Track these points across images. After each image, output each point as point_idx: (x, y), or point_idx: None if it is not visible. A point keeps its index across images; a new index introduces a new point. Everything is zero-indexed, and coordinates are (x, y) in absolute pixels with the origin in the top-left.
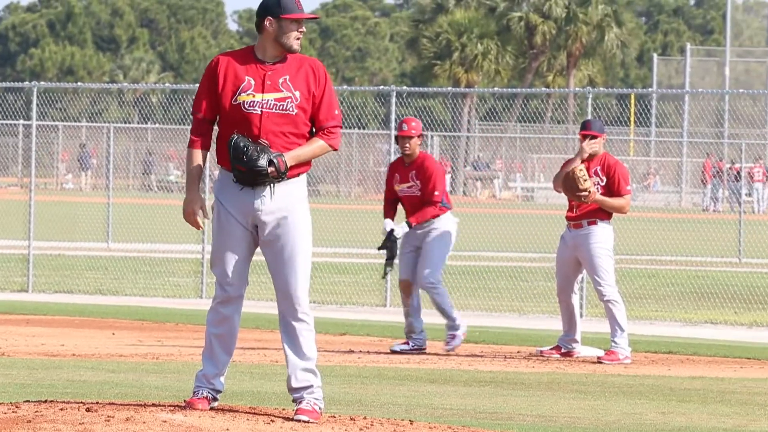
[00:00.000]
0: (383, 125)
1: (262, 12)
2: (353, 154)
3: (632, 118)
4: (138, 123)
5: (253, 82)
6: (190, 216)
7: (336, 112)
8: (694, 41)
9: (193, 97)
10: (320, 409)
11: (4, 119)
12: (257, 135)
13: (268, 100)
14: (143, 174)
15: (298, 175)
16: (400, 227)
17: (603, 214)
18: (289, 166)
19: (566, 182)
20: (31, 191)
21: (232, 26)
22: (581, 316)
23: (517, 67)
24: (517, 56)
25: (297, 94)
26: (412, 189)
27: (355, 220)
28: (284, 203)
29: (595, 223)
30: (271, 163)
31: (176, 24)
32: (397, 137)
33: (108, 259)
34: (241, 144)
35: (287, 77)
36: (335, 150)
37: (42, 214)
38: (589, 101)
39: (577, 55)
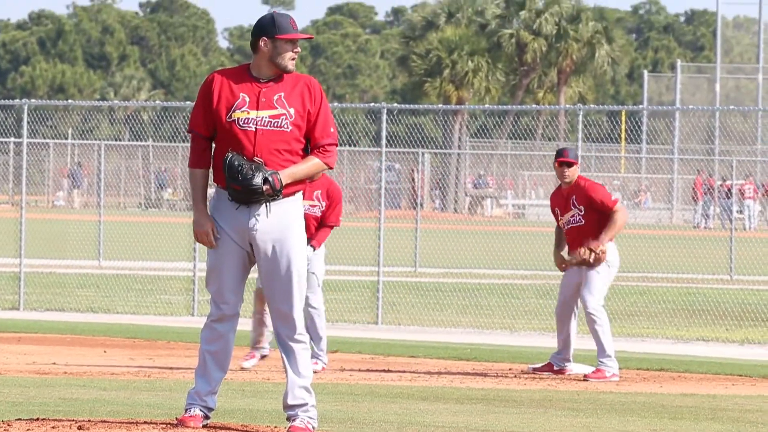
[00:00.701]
0: (374, 142)
1: (257, 32)
2: (344, 171)
3: (623, 135)
4: (129, 140)
5: (247, 99)
6: (202, 236)
7: (331, 129)
8: (684, 58)
9: (185, 114)
10: (313, 428)
11: None
12: (252, 152)
13: (262, 117)
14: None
15: (293, 193)
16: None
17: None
18: (284, 184)
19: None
20: (22, 209)
21: (223, 43)
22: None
23: (507, 84)
24: (508, 73)
25: (292, 111)
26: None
27: (346, 237)
28: (280, 223)
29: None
30: (266, 181)
31: (167, 41)
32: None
33: (99, 277)
34: (236, 163)
35: (282, 94)
36: (330, 168)
37: (33, 232)
38: (580, 118)
39: (568, 72)
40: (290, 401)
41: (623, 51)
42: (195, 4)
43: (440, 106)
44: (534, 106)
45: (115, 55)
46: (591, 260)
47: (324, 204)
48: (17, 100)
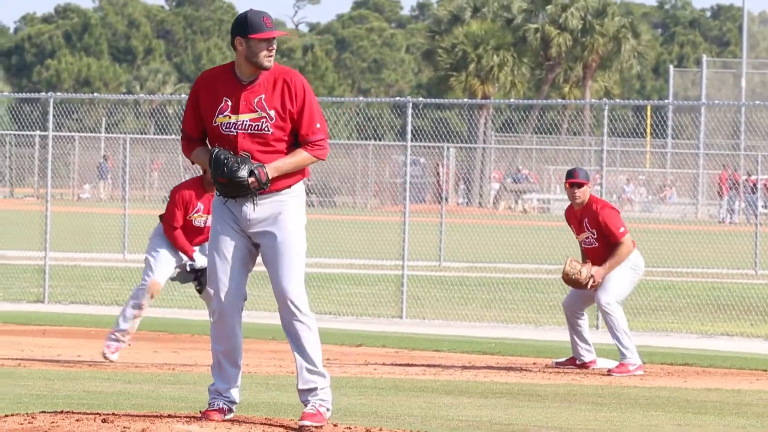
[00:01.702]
0: (399, 137)
1: (233, 31)
2: (369, 165)
3: (648, 130)
4: (154, 134)
5: (230, 104)
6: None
7: (317, 125)
8: (710, 53)
9: None
10: (327, 410)
11: (21, 130)
12: (235, 153)
13: (243, 121)
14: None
15: (288, 186)
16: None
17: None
18: (270, 177)
19: (568, 283)
20: (48, 202)
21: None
22: (597, 327)
23: (533, 79)
24: (533, 68)
25: (272, 113)
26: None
27: (371, 231)
28: (272, 212)
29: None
30: (251, 173)
31: (192, 35)
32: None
33: (124, 270)
34: (222, 156)
35: (262, 97)
36: (322, 160)
37: (58, 225)
38: (606, 113)
39: (594, 67)
40: (300, 386)
41: (649, 46)
42: None
43: (465, 100)
44: (559, 100)
45: (140, 49)
46: (588, 286)
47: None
48: (43, 94)
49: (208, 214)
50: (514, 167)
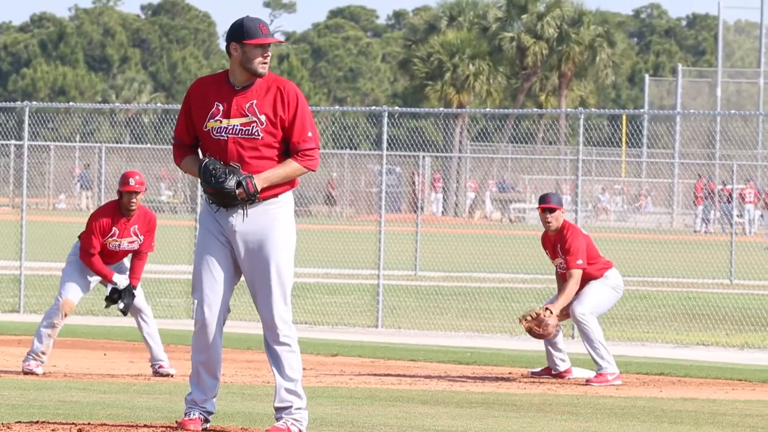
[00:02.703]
0: (375, 146)
1: (228, 38)
2: (345, 174)
3: (624, 139)
4: (130, 143)
5: (221, 108)
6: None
7: (309, 134)
8: (685, 62)
9: None
10: (299, 429)
11: None
12: (227, 160)
13: (234, 126)
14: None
15: (275, 195)
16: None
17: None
18: (259, 188)
19: (535, 335)
20: (23, 211)
21: (224, 46)
22: (572, 337)
23: (509, 88)
24: (509, 77)
25: (263, 118)
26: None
27: (346, 240)
28: (259, 225)
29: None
30: (239, 184)
31: (168, 44)
32: None
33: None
34: (210, 167)
35: (254, 102)
36: (312, 170)
37: (34, 235)
38: (581, 122)
39: (569, 76)
40: (276, 403)
41: (625, 55)
42: (196, 6)
43: (441, 109)
44: (535, 109)
45: (116, 58)
46: (548, 327)
47: (142, 238)
48: (18, 103)
49: (122, 238)
50: (500, 176)
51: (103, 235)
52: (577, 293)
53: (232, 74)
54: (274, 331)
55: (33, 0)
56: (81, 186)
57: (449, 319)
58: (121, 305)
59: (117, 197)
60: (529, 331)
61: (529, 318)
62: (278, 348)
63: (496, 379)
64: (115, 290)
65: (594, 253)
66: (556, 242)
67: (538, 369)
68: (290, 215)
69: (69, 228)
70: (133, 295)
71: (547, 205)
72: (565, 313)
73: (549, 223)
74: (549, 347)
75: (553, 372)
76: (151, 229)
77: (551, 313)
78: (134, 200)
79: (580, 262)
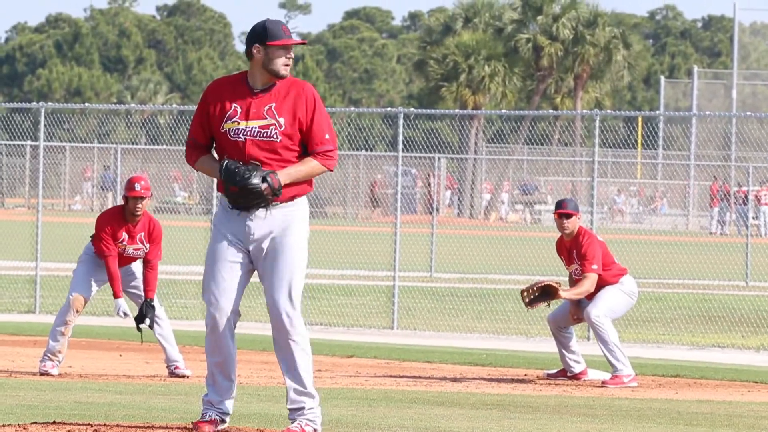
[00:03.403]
0: (390, 147)
1: (250, 39)
2: (360, 175)
3: (639, 141)
4: (145, 144)
5: (239, 110)
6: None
7: (327, 136)
8: (701, 64)
9: None
10: (314, 430)
11: (12, 140)
12: (245, 161)
13: (252, 128)
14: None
15: (292, 198)
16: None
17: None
18: (282, 183)
19: (532, 300)
20: (39, 212)
21: (240, 47)
22: (588, 339)
23: (524, 89)
24: (525, 78)
25: (282, 120)
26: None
27: (362, 242)
28: (277, 225)
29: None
30: (264, 180)
31: (183, 45)
32: None
33: None
34: (232, 166)
35: (273, 105)
36: (330, 170)
37: (49, 235)
38: (597, 123)
39: (585, 78)
40: (289, 405)
41: (640, 56)
42: (212, 7)
43: (457, 111)
44: (550, 111)
45: (131, 59)
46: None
47: (148, 246)
48: (34, 103)
49: (129, 244)
50: (516, 178)
51: (114, 240)
52: (592, 297)
53: (251, 76)
54: (285, 330)
55: (48, 1)
56: (103, 187)
57: (465, 321)
58: (147, 322)
59: (123, 202)
60: (527, 294)
61: (534, 288)
62: (291, 346)
63: (512, 380)
64: (140, 316)
65: (609, 259)
66: (572, 248)
67: (554, 371)
68: (306, 218)
69: (84, 229)
70: (153, 308)
71: (563, 210)
72: (577, 318)
73: (565, 228)
74: (562, 349)
75: (568, 374)
76: (157, 238)
77: (558, 289)
78: (140, 205)
79: (595, 267)
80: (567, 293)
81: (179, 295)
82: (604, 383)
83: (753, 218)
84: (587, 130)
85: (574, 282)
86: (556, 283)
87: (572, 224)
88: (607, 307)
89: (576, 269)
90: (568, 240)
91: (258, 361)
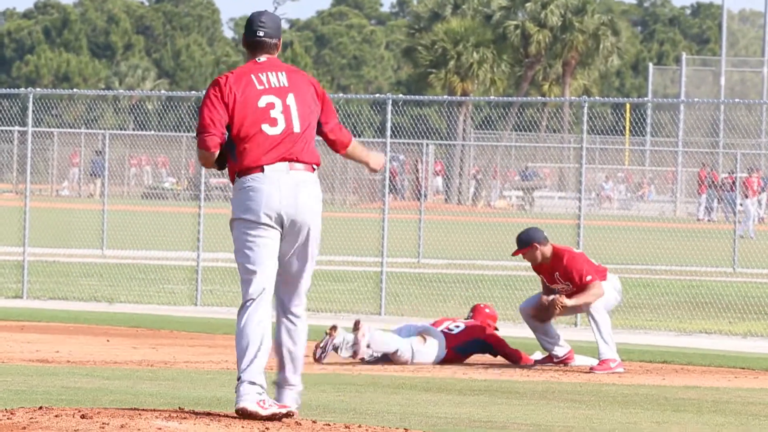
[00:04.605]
0: (379, 133)
1: (280, 33)
2: (348, 162)
3: (627, 127)
4: (133, 130)
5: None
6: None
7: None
8: (689, 51)
9: (189, 104)
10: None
11: (0, 125)
12: None
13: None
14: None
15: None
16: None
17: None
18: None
19: (540, 315)
20: (27, 197)
21: (228, 33)
22: (576, 325)
23: (512, 76)
24: (513, 65)
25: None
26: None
27: (350, 228)
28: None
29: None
30: None
31: (172, 31)
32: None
33: (102, 266)
34: None
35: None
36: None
37: (37, 221)
38: (585, 110)
39: (573, 64)
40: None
41: (628, 43)
42: None
43: (445, 97)
44: (539, 98)
45: (120, 45)
46: (550, 310)
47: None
48: (22, 89)
49: None
50: (523, 164)
51: None
52: (585, 293)
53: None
54: (302, 311)
55: None
56: (92, 173)
57: (452, 307)
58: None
59: None
60: (535, 316)
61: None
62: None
63: (499, 366)
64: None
65: (592, 266)
66: (554, 270)
67: (541, 357)
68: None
69: (72, 215)
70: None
71: (517, 251)
72: (540, 316)
73: (537, 258)
74: (539, 335)
75: (554, 359)
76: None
77: (562, 302)
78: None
79: (590, 278)
80: (570, 300)
81: (167, 280)
82: (591, 369)
83: (740, 205)
84: (575, 116)
85: (547, 289)
86: (551, 299)
87: (535, 255)
88: (602, 301)
89: (563, 288)
90: (549, 264)
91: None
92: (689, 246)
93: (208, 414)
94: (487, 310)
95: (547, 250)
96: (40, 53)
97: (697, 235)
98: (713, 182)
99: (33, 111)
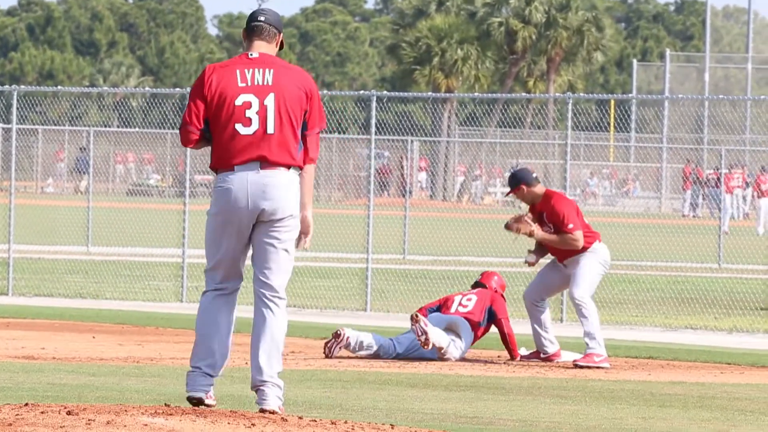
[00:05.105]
0: (363, 130)
1: (281, 27)
2: (333, 158)
3: (612, 124)
4: (118, 127)
5: None
6: None
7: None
8: (673, 47)
9: (174, 101)
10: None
11: None
12: None
13: None
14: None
15: None
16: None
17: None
18: None
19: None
20: (11, 194)
21: (212, 30)
22: (561, 321)
23: (497, 73)
24: (497, 61)
25: None
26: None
27: (334, 224)
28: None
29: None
30: None
31: (156, 28)
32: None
33: (88, 263)
34: None
35: None
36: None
37: (22, 218)
38: (569, 107)
39: (557, 61)
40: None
41: (612, 40)
42: None
43: (429, 94)
44: (523, 94)
45: (104, 42)
46: (519, 223)
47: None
48: (6, 86)
49: None
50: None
51: None
52: (573, 274)
53: None
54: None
55: None
56: (77, 170)
57: None
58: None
59: None
60: (509, 226)
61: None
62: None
63: (485, 362)
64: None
65: (581, 220)
66: (542, 210)
67: (527, 352)
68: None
69: (57, 212)
70: None
71: (510, 191)
72: (552, 288)
73: (527, 198)
74: (536, 327)
75: (542, 355)
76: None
77: (533, 227)
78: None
79: (571, 225)
80: (540, 232)
81: (152, 277)
82: (575, 362)
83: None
84: (560, 113)
85: (542, 248)
86: (526, 215)
87: (523, 195)
88: (586, 285)
89: (547, 230)
90: (539, 204)
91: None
92: (674, 242)
93: (194, 410)
94: (495, 278)
95: (538, 190)
96: (24, 50)
97: (683, 231)
98: (698, 178)
99: (17, 108)
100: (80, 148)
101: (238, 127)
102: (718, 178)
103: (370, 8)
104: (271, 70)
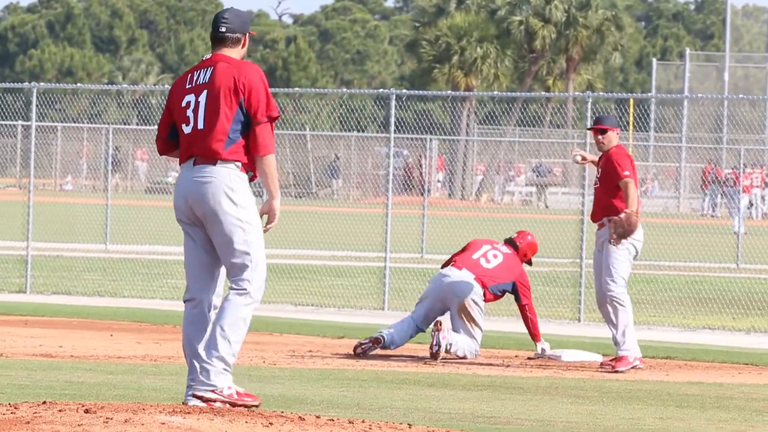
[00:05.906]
0: (382, 128)
1: (247, 25)
2: (352, 156)
3: (631, 123)
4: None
5: None
6: None
7: None
8: (693, 46)
9: None
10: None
11: (3, 120)
12: None
13: None
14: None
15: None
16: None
17: (616, 211)
18: None
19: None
20: (30, 192)
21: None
22: (578, 320)
23: (516, 71)
24: (517, 60)
25: None
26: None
27: (353, 223)
28: None
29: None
30: None
31: (175, 25)
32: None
33: (106, 261)
34: None
35: None
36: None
37: (40, 216)
38: (589, 105)
39: (577, 60)
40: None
41: (632, 39)
42: None
43: (449, 92)
44: (542, 93)
45: (123, 39)
46: (613, 231)
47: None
48: (26, 84)
49: None
50: (506, 160)
51: None
52: (603, 265)
53: None
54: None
55: None
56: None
57: None
58: None
59: None
60: (622, 235)
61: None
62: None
63: (503, 362)
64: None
65: (634, 173)
66: (602, 159)
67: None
68: None
69: (75, 209)
70: None
71: (598, 126)
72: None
73: (602, 143)
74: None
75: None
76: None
77: (630, 213)
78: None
79: (627, 173)
80: (626, 212)
81: (170, 275)
82: (603, 365)
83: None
84: (579, 111)
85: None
86: (620, 217)
87: (607, 139)
88: (620, 275)
89: (594, 178)
90: (603, 155)
91: (248, 341)
92: (693, 242)
93: (212, 409)
94: (529, 237)
95: (615, 140)
96: (44, 48)
97: (701, 230)
98: (717, 178)
99: (36, 105)
100: (115, 147)
101: (183, 126)
102: (737, 178)
103: (390, 6)
104: (212, 68)
